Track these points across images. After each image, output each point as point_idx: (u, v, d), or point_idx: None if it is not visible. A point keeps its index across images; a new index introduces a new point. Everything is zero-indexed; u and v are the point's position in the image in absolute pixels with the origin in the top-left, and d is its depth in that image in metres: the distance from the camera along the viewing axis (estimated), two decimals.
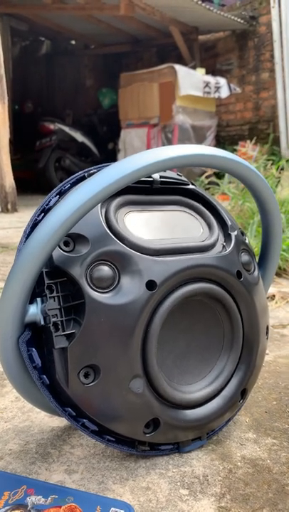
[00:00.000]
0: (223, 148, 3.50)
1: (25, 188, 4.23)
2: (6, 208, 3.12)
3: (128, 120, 4.27)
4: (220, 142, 4.59)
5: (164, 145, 3.70)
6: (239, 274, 0.56)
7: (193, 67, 4.17)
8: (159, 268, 0.50)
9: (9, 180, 3.10)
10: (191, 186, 0.62)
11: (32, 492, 0.46)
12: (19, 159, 4.66)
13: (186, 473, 0.51)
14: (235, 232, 0.59)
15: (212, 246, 0.57)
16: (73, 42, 5.56)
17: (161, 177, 0.58)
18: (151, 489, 0.49)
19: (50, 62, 5.85)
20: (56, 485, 0.48)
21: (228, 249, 0.56)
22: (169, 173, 0.61)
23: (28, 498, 0.45)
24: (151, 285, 0.49)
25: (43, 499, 0.45)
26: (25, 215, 2.98)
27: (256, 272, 0.60)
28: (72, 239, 0.49)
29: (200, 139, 4.04)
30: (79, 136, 4.63)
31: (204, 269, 0.53)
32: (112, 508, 0.43)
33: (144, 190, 0.58)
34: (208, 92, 3.95)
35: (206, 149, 0.52)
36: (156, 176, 0.58)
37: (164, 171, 0.60)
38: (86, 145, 4.69)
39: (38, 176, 4.52)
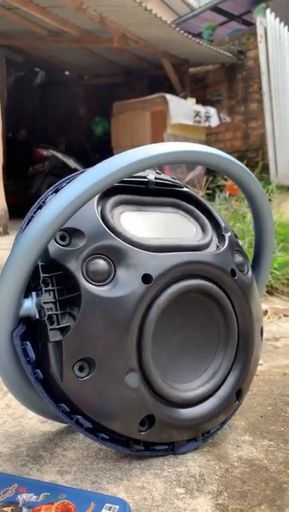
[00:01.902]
0: (214, 176, 3.57)
1: (17, 213, 4.24)
2: None
3: (121, 147, 4.34)
4: (210, 170, 4.67)
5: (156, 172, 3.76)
6: (233, 273, 0.56)
7: (184, 98, 4.29)
8: (154, 262, 0.50)
9: (1, 204, 3.12)
10: (185, 189, 0.63)
11: (23, 490, 0.44)
12: (12, 185, 4.68)
13: (181, 473, 0.50)
14: (229, 234, 0.60)
15: (206, 246, 0.57)
16: (67, 73, 5.70)
17: (156, 178, 0.60)
18: (147, 488, 0.47)
19: (45, 92, 5.98)
20: (48, 483, 0.47)
21: (222, 249, 0.57)
22: (163, 176, 0.62)
23: (19, 496, 0.44)
24: (147, 279, 0.49)
25: (34, 496, 0.43)
26: None
27: (250, 273, 0.61)
28: (68, 233, 0.49)
29: (191, 167, 4.12)
30: (72, 163, 4.68)
31: (199, 265, 0.54)
32: (107, 504, 0.42)
33: (140, 191, 0.59)
34: (199, 121, 4.05)
35: (198, 146, 0.54)
36: (151, 177, 0.59)
37: (160, 170, 0.62)
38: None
39: (31, 202, 4.53)
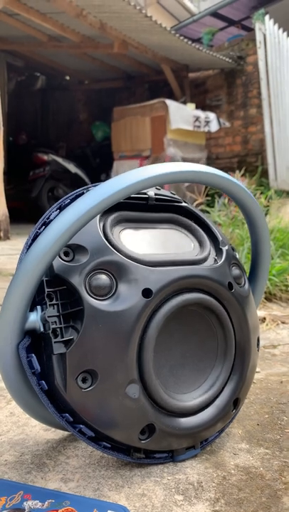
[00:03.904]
0: None
1: (18, 218, 4.27)
2: None
3: (121, 152, 4.37)
4: None
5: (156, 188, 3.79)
6: (230, 286, 0.58)
7: (184, 103, 4.32)
8: (154, 277, 0.52)
9: (2, 209, 3.14)
10: (183, 204, 0.65)
11: (29, 497, 0.46)
12: (12, 189, 4.71)
13: (180, 480, 0.52)
14: (226, 247, 0.62)
15: (204, 260, 0.59)
16: (68, 77, 5.74)
17: (156, 194, 0.62)
18: (147, 495, 0.49)
19: (45, 96, 6.02)
20: (53, 490, 0.49)
21: (220, 262, 0.59)
22: (163, 191, 0.64)
23: (25, 503, 0.46)
24: (147, 293, 0.51)
25: (39, 503, 0.45)
26: (17, 243, 3.00)
27: (246, 286, 0.63)
28: (72, 249, 0.52)
29: None
30: (72, 167, 4.71)
31: (197, 279, 0.56)
32: (109, 511, 0.44)
33: (140, 207, 0.61)
34: (199, 126, 4.08)
35: (196, 166, 0.56)
36: (151, 193, 0.61)
37: (159, 187, 0.64)
38: (79, 176, 4.77)
39: (31, 206, 4.57)
